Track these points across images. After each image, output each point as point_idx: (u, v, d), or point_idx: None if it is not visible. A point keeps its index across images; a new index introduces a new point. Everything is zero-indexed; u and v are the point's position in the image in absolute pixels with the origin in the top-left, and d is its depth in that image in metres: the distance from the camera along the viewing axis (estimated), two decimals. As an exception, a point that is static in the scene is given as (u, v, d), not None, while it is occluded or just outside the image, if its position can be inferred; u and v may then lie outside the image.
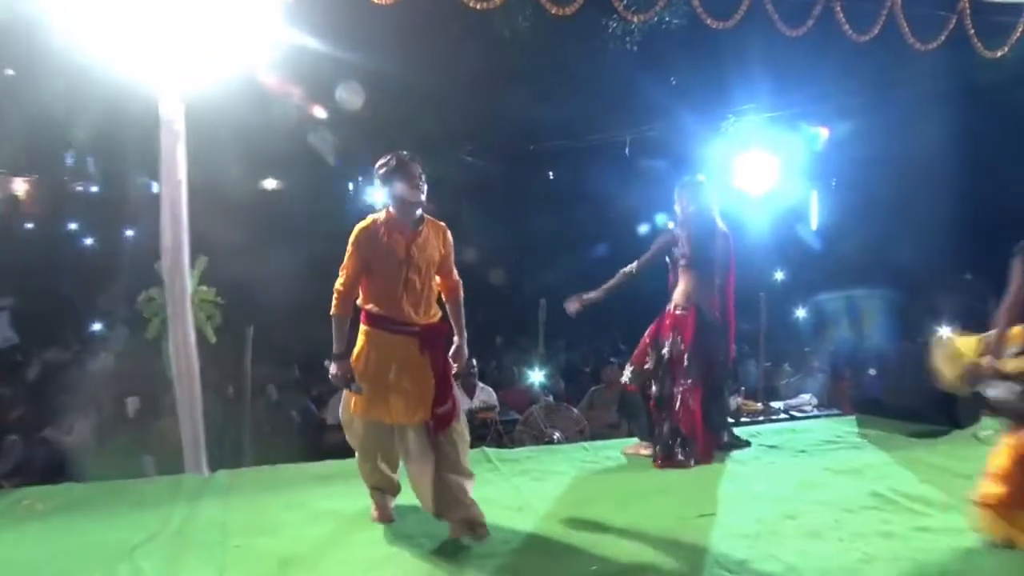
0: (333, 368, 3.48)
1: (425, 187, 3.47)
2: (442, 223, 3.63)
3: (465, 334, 3.70)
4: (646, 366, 4.93)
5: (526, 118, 12.71)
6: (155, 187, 7.30)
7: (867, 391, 6.03)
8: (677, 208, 5.00)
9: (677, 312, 4.89)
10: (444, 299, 3.68)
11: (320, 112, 10.11)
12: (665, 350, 4.87)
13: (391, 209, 3.50)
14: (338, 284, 3.49)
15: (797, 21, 5.20)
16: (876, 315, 9.00)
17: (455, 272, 3.68)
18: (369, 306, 3.50)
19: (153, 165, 4.85)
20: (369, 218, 3.53)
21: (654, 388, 4.88)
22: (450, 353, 3.63)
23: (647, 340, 4.99)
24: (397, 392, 3.42)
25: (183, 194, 4.67)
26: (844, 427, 5.81)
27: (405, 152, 3.50)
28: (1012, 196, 8.56)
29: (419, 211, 3.52)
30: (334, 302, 3.50)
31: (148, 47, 4.47)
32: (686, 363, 4.79)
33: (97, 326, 11.35)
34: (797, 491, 4.28)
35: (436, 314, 3.57)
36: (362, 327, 3.53)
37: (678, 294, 4.93)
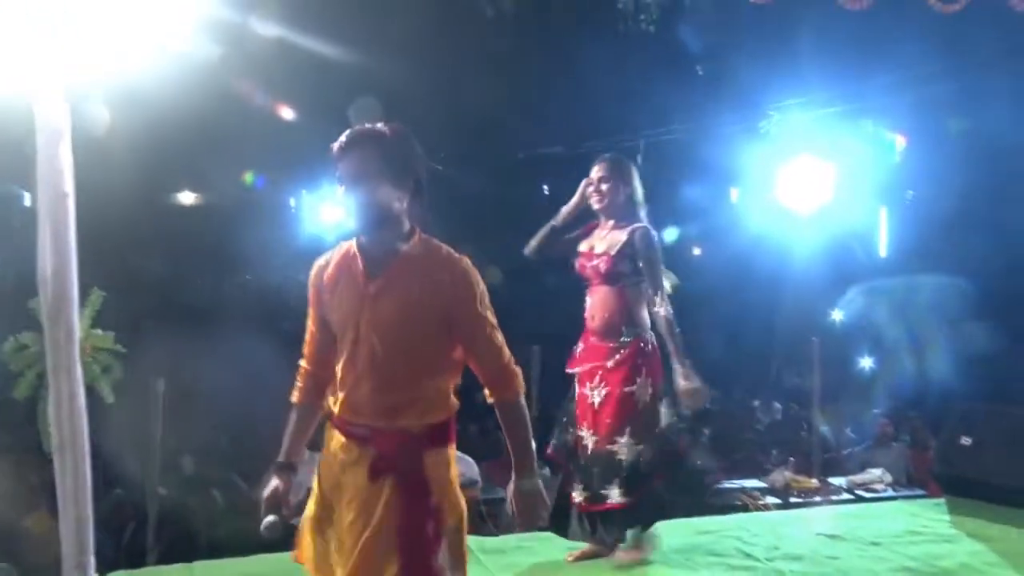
0: (268, 483, 2.93)
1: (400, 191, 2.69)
2: (454, 255, 2.73)
3: (532, 465, 2.81)
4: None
5: (514, 119, 12.72)
6: (27, 199, 7.17)
7: (960, 466, 5.94)
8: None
9: (646, 347, 4.62)
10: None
11: (253, 110, 10.07)
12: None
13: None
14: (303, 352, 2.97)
15: (862, -12, 5.20)
16: (968, 369, 8.96)
17: (497, 351, 2.75)
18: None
19: (22, 170, 4.74)
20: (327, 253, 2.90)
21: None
22: (508, 494, 2.84)
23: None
24: (335, 539, 2.72)
25: (69, 208, 4.54)
26: (930, 513, 5.74)
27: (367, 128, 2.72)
28: None
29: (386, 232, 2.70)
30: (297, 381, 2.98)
31: (20, 22, 4.38)
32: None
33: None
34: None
35: (426, 415, 2.70)
36: None
37: (642, 317, 4.68)
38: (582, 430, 4.61)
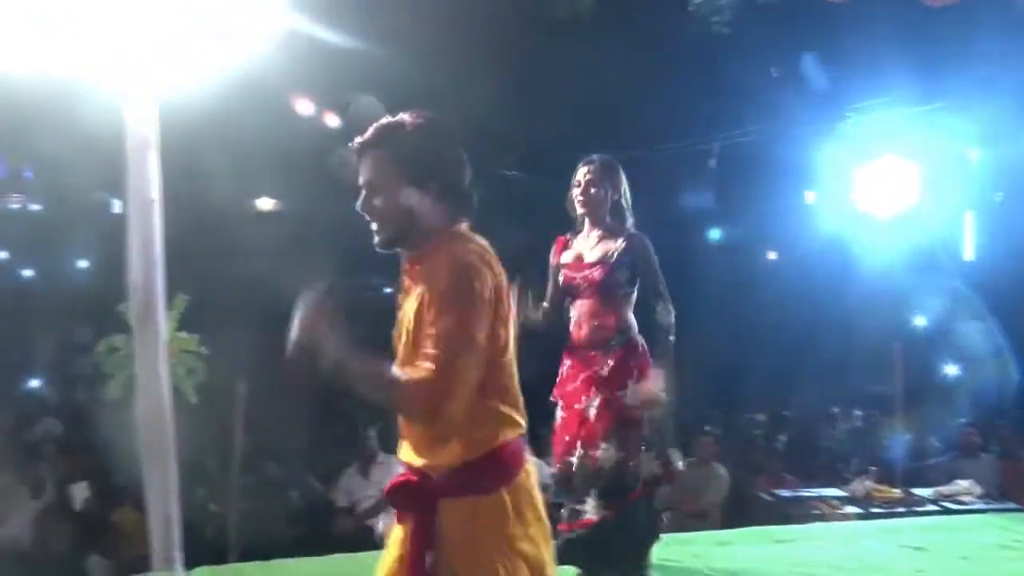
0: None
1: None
2: (458, 252, 2.27)
3: None
4: None
5: (585, 122, 12.73)
6: (117, 206, 7.38)
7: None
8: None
9: (637, 348, 4.34)
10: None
11: (332, 118, 10.24)
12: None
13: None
14: None
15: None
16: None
17: (428, 356, 2.15)
18: None
19: (114, 178, 4.88)
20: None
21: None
22: None
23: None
24: None
25: (156, 217, 4.69)
26: (1022, 527, 5.61)
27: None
28: None
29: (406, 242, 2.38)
30: None
31: (110, 33, 4.52)
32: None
33: (37, 383, 11.47)
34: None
35: (454, 452, 2.24)
36: None
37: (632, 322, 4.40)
38: (573, 453, 4.19)
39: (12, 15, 4.39)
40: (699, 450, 8.03)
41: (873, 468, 8.25)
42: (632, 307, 4.32)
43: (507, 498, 2.21)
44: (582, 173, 4.33)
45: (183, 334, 4.96)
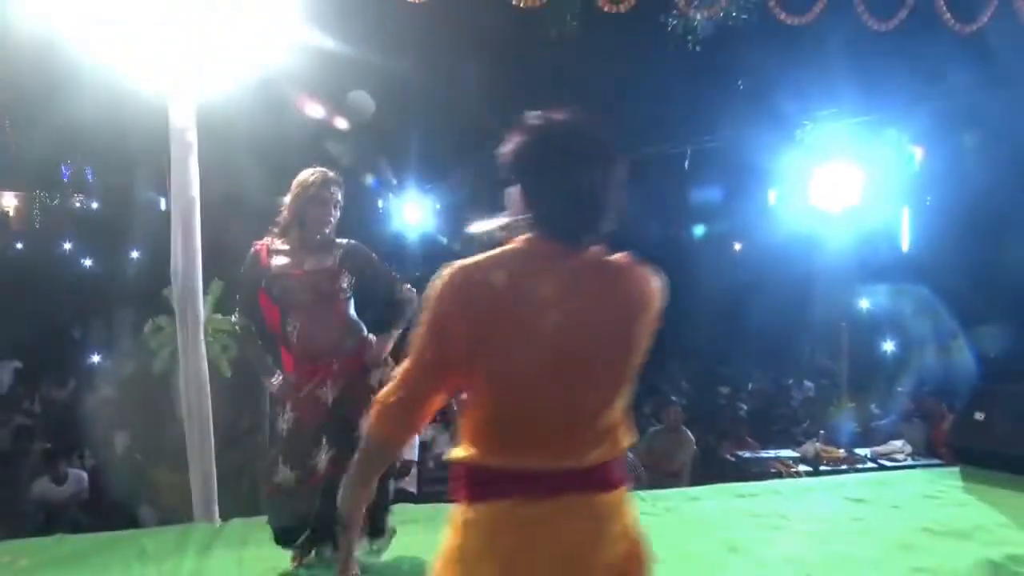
0: None
1: None
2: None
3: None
4: None
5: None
6: (163, 203, 7.41)
7: (974, 438, 5.85)
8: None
9: None
10: None
11: (348, 121, 10.25)
12: None
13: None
14: None
15: (887, 12, 5.13)
16: (981, 350, 8.79)
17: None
18: None
19: (161, 178, 4.92)
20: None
21: None
22: None
23: None
24: None
25: (196, 212, 4.72)
26: (946, 480, 5.61)
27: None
28: None
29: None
30: None
31: (156, 45, 4.54)
32: None
33: (96, 359, 11.51)
34: (892, 555, 4.14)
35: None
36: None
37: None
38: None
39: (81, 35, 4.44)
40: (668, 418, 8.05)
41: (822, 432, 8.29)
42: None
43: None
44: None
45: (219, 315, 4.99)
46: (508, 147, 1.90)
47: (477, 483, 1.85)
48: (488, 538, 1.81)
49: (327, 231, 3.67)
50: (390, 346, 3.72)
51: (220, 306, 5.00)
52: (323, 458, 3.53)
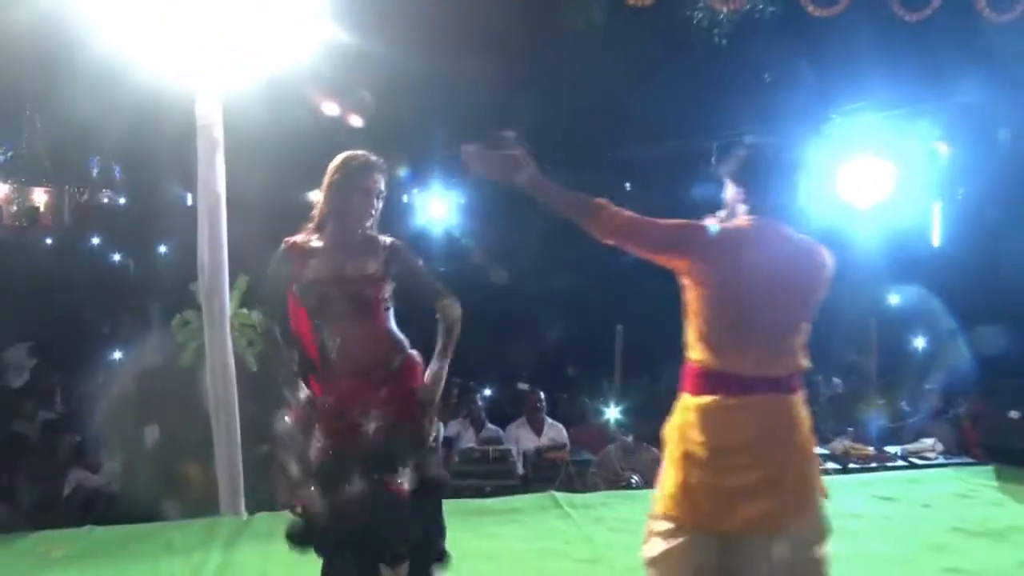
0: None
1: None
2: None
3: None
4: None
5: (600, 122, 12.70)
6: (190, 199, 7.46)
7: (1007, 437, 5.78)
8: None
9: None
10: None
11: (372, 116, 10.28)
12: None
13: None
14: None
15: (918, 2, 5.05)
16: (1016, 349, 8.65)
17: None
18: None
19: (188, 174, 4.96)
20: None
21: None
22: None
23: None
24: None
25: (222, 207, 4.76)
26: (978, 479, 5.58)
27: None
28: None
29: None
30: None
31: (182, 42, 4.58)
32: None
33: (125, 352, 11.62)
34: (923, 554, 4.10)
35: None
36: None
37: None
38: None
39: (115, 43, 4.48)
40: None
41: (850, 429, 8.20)
42: None
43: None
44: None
45: (244, 310, 5.02)
46: (733, 160, 2.75)
47: (700, 381, 2.61)
48: (703, 417, 2.57)
49: (369, 225, 3.18)
50: (445, 377, 3.21)
51: (245, 301, 5.03)
52: (358, 488, 3.04)
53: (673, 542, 2.58)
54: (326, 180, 3.16)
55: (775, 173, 2.72)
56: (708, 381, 2.59)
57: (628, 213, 2.66)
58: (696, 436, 2.56)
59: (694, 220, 2.67)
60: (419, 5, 4.77)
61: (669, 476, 2.62)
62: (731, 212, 2.73)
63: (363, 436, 3.06)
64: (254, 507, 4.79)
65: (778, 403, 2.59)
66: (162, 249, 16.11)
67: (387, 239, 3.21)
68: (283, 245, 3.20)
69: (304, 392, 3.16)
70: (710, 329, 2.59)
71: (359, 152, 3.18)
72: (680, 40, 9.32)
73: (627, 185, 16.72)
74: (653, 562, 2.64)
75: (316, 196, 3.25)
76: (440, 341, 3.20)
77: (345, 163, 3.16)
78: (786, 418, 2.60)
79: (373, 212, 3.17)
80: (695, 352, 2.62)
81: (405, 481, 3.05)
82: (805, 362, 2.68)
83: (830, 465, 7.50)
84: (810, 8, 5.28)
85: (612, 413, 8.12)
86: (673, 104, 11.64)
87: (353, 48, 6.54)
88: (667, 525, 2.60)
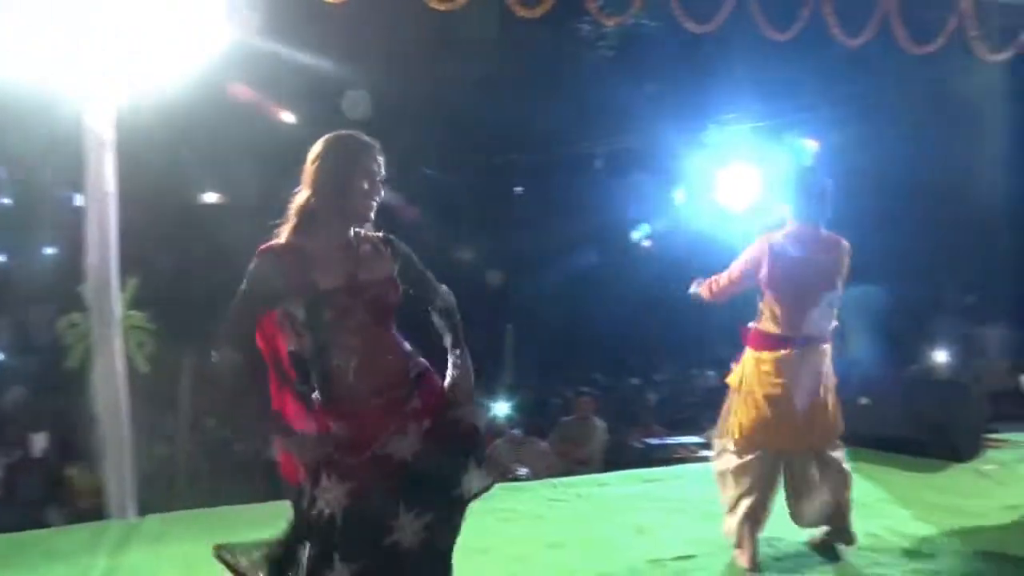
0: None
1: None
2: None
3: None
4: None
5: (491, 129, 12.74)
6: (79, 200, 7.18)
7: (857, 421, 6.10)
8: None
9: None
10: None
11: (272, 120, 10.05)
12: None
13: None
14: None
15: (784, 24, 5.30)
16: (865, 338, 9.10)
17: None
18: None
19: (76, 174, 4.79)
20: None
21: None
22: None
23: None
24: None
25: (112, 208, 4.62)
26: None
27: None
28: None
29: None
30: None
31: (70, 41, 4.43)
32: None
33: (9, 355, 11.11)
34: (781, 529, 4.28)
35: None
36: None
37: None
38: None
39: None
40: (579, 408, 8.14)
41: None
42: None
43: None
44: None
45: (134, 312, 4.89)
46: (783, 184, 4.01)
47: (759, 340, 3.82)
48: (760, 366, 3.79)
49: (371, 218, 2.55)
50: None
51: (135, 302, 4.90)
52: (409, 527, 2.36)
53: (746, 457, 3.77)
54: (314, 166, 2.46)
55: (810, 194, 3.80)
56: (767, 340, 3.77)
57: (724, 278, 3.94)
58: (758, 379, 3.74)
59: (757, 241, 3.85)
60: (324, 12, 4.71)
61: (741, 409, 3.77)
62: (780, 221, 3.86)
63: (396, 463, 2.42)
64: (145, 511, 4.65)
65: (813, 352, 3.76)
66: (49, 251, 15.36)
67: (379, 234, 2.60)
68: (267, 252, 2.43)
69: (313, 427, 2.46)
70: (768, 305, 3.78)
71: (350, 131, 2.53)
72: (569, 52, 9.49)
73: (518, 189, 16.88)
74: (728, 473, 3.84)
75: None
76: (449, 332, 2.70)
77: (341, 142, 2.49)
78: (819, 364, 3.79)
79: (375, 203, 2.52)
80: (758, 321, 3.82)
81: (473, 486, 2.51)
82: (830, 324, 3.83)
83: (705, 453, 7.74)
84: (688, 24, 5.43)
85: (501, 408, 8.22)
86: (562, 112, 11.79)
87: (262, 50, 6.44)
88: (740, 445, 3.78)
